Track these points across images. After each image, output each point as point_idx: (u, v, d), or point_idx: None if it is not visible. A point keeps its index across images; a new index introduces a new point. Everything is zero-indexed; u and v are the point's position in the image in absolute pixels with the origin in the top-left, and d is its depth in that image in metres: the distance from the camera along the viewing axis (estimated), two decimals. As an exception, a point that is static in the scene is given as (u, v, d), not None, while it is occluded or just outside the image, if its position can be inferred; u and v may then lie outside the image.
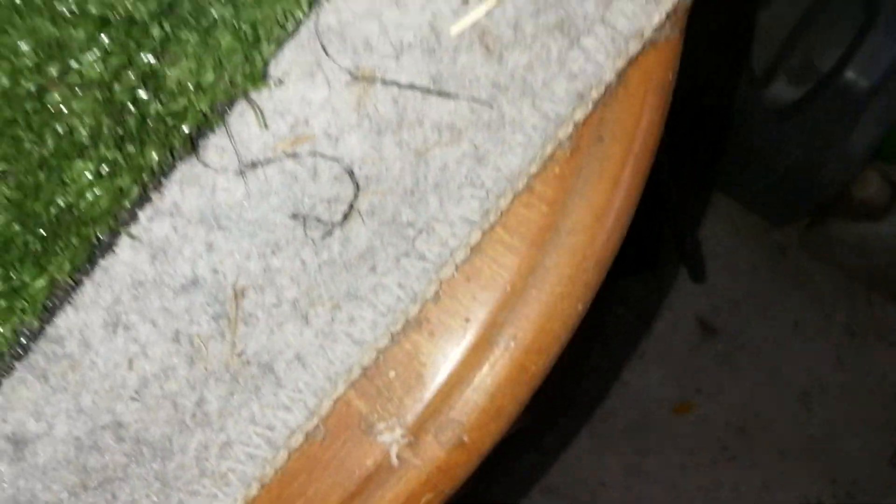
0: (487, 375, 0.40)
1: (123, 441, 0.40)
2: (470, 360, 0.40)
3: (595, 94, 0.41)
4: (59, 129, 0.38)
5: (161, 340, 0.40)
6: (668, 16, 0.41)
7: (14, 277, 0.38)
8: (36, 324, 0.39)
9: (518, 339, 0.40)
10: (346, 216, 0.40)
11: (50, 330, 0.39)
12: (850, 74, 1.39)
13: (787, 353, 1.72)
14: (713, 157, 1.68)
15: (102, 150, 0.39)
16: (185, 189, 0.40)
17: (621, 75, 0.41)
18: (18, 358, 0.39)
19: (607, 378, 1.69)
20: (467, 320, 0.40)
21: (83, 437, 0.39)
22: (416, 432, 0.40)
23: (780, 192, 1.59)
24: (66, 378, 0.39)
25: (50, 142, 0.38)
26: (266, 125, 0.40)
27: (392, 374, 0.40)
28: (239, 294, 0.40)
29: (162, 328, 0.40)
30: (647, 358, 1.70)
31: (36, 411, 0.39)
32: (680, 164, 1.57)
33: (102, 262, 0.39)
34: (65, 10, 0.36)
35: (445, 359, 0.40)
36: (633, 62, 0.41)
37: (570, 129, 0.41)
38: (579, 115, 0.41)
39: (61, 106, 0.38)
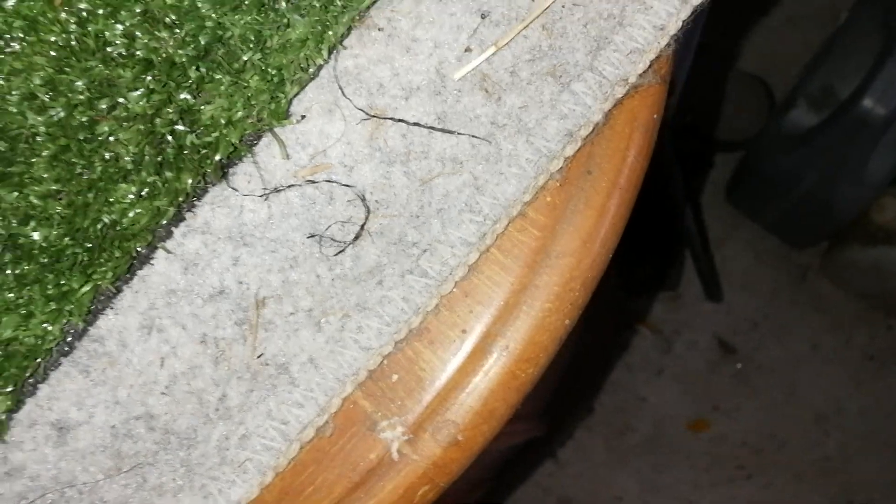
0: (481, 381, 0.45)
1: (154, 430, 0.45)
2: (466, 366, 0.45)
3: (584, 133, 0.45)
4: (107, 156, 0.44)
5: (190, 342, 0.45)
6: (652, 64, 0.46)
7: (63, 284, 0.44)
8: (81, 324, 0.44)
9: (510, 350, 0.45)
10: (357, 236, 0.45)
11: (92, 330, 0.45)
12: (868, 102, 1.42)
13: (805, 374, 1.75)
14: (733, 179, 1.71)
15: (144, 175, 0.44)
16: (215, 210, 0.45)
17: (608, 116, 0.46)
18: (65, 354, 0.44)
19: (625, 393, 1.73)
20: (464, 331, 0.45)
21: (118, 426, 0.45)
22: (416, 430, 0.44)
23: (799, 217, 1.62)
24: (105, 373, 0.45)
25: (98, 167, 0.44)
26: (288, 155, 0.45)
27: (395, 377, 0.45)
28: (260, 303, 0.45)
29: (191, 331, 0.45)
30: (665, 375, 1.74)
31: (78, 401, 0.44)
32: (697, 185, 1.61)
33: (140, 272, 0.45)
34: (115, 53, 0.41)
35: (443, 365, 0.45)
36: (619, 104, 0.46)
37: (560, 162, 0.45)
38: (569, 150, 0.45)
39: (109, 136, 0.44)
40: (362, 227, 0.45)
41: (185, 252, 0.45)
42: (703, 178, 1.72)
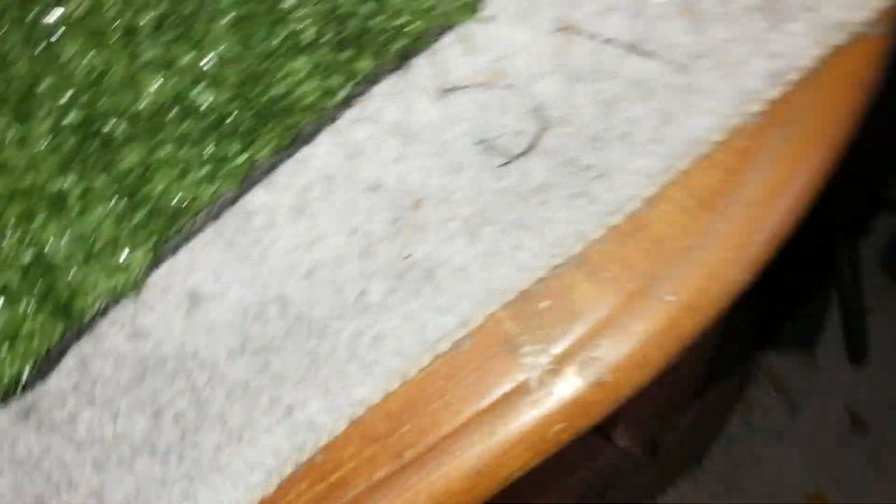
0: (640, 323, 0.41)
1: (286, 316, 0.42)
2: (625, 304, 0.41)
3: (791, 77, 0.42)
4: (288, 29, 0.43)
5: (339, 232, 0.43)
6: (879, 13, 0.42)
7: (222, 149, 0.42)
8: (232, 194, 0.42)
9: (676, 294, 0.41)
10: (528, 150, 0.42)
11: (242, 203, 0.43)
12: None
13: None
14: (891, 245, 1.61)
15: (322, 52, 0.43)
16: (387, 101, 0.43)
17: (821, 63, 0.42)
18: (212, 220, 0.43)
19: (741, 451, 1.62)
20: (628, 267, 0.41)
21: (251, 306, 0.42)
22: (560, 362, 0.41)
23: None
24: (249, 250, 0.43)
25: (277, 38, 0.43)
26: (470, 56, 0.43)
27: (546, 303, 0.41)
28: (417, 203, 0.42)
29: (342, 221, 0.43)
30: (787, 439, 1.62)
31: (216, 274, 0.43)
32: (856, 242, 1.52)
33: (301, 153, 0.43)
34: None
35: (601, 299, 0.41)
36: (835, 52, 0.42)
37: (760, 105, 0.42)
38: (772, 93, 0.42)
39: (294, 10, 0.42)
40: (535, 141, 0.43)
41: (349, 139, 0.43)
42: (860, 236, 1.62)
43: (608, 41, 0.43)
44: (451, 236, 0.42)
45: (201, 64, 0.43)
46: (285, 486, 0.42)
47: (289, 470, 0.41)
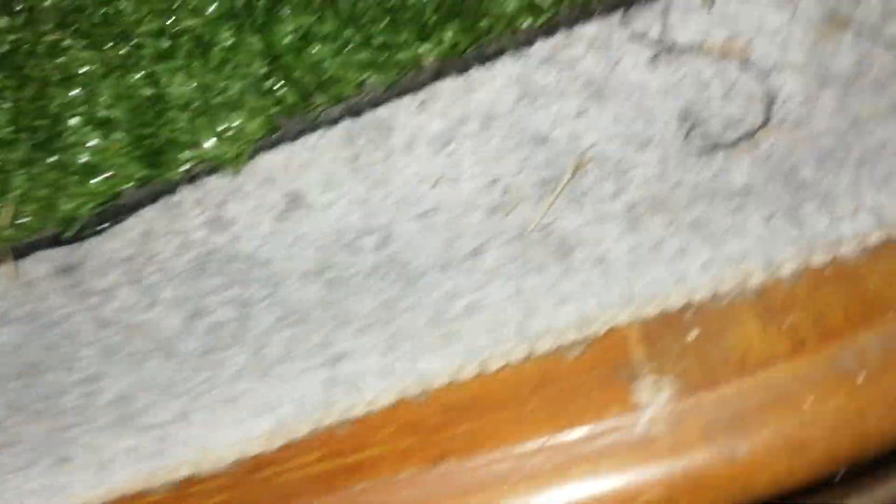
0: (812, 396, 0.29)
1: (381, 251, 0.35)
2: (799, 367, 0.30)
3: None
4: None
5: (478, 178, 0.35)
6: None
7: (390, 36, 0.36)
8: (379, 93, 0.36)
9: (871, 372, 0.29)
10: (737, 142, 0.33)
11: (387, 114, 0.37)
12: None
13: None
14: None
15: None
16: (591, 47, 0.35)
17: None
18: (349, 117, 0.36)
19: None
20: (820, 321, 0.30)
21: (349, 230, 0.36)
22: (687, 415, 0.30)
23: None
24: (372, 168, 0.36)
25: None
26: (710, 18, 0.35)
27: (694, 333, 0.31)
28: (581, 167, 0.34)
29: (486, 167, 0.35)
30: None
31: (326, 182, 0.36)
32: None
33: (472, 74, 0.36)
34: None
35: (768, 350, 0.30)
36: None
37: None
38: None
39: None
40: (751, 134, 0.33)
41: (529, 80, 0.36)
42: None
43: (889, 47, 0.33)
44: (604, 217, 0.33)
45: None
46: (290, 449, 0.34)
47: (303, 430, 0.33)
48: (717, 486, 0.30)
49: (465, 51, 0.36)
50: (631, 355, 0.31)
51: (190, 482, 0.34)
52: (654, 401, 0.30)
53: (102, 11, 0.41)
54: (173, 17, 0.39)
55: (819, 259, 0.31)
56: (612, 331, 0.32)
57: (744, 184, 0.32)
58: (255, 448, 0.33)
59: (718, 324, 0.31)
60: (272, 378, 0.34)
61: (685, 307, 0.32)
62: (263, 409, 0.34)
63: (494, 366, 0.32)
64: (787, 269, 0.31)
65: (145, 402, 0.35)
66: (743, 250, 0.31)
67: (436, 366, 0.33)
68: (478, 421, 0.32)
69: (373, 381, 0.33)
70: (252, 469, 0.33)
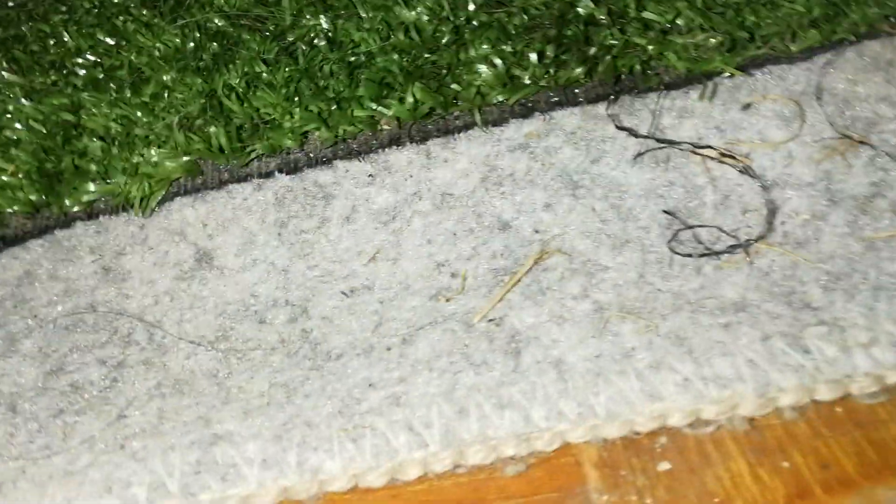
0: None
1: (292, 326, 0.28)
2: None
3: None
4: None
5: (422, 259, 0.29)
6: None
7: (348, 90, 0.31)
8: (325, 149, 0.31)
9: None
10: (731, 252, 0.28)
11: (326, 178, 0.31)
12: None
13: None
14: None
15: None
16: (567, 140, 0.31)
17: None
18: (284, 174, 0.31)
19: None
20: (833, 466, 0.24)
21: (256, 300, 0.29)
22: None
23: None
24: (301, 237, 0.30)
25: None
26: (708, 121, 0.31)
27: (664, 466, 0.25)
28: (543, 258, 0.29)
29: (433, 249, 0.30)
30: None
31: (244, 246, 0.30)
32: None
33: (435, 146, 0.31)
34: None
35: (764, 498, 0.24)
36: None
37: None
38: None
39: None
40: (747, 246, 0.28)
41: (496, 165, 0.31)
42: None
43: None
44: (568, 317, 0.27)
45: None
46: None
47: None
48: None
49: (429, 114, 0.31)
50: (584, 480, 0.25)
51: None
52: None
53: (42, 41, 0.37)
54: (115, 52, 0.35)
55: (826, 394, 0.25)
56: (563, 447, 0.25)
57: (737, 298, 0.27)
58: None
59: (698, 455, 0.25)
60: (127, 453, 0.27)
61: (656, 431, 0.25)
62: (106, 488, 0.26)
63: (411, 474, 0.25)
64: (787, 399, 0.25)
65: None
66: (733, 372, 0.25)
67: (335, 466, 0.25)
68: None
69: (253, 471, 0.26)
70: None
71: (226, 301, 0.30)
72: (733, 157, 0.30)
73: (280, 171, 0.31)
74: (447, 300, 0.28)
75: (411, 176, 0.31)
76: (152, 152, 0.31)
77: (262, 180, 0.31)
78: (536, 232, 0.30)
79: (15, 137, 0.32)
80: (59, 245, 0.32)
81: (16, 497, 0.26)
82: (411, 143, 0.31)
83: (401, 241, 0.30)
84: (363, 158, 0.31)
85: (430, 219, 0.30)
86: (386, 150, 0.32)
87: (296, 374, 0.28)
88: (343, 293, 0.29)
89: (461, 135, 0.32)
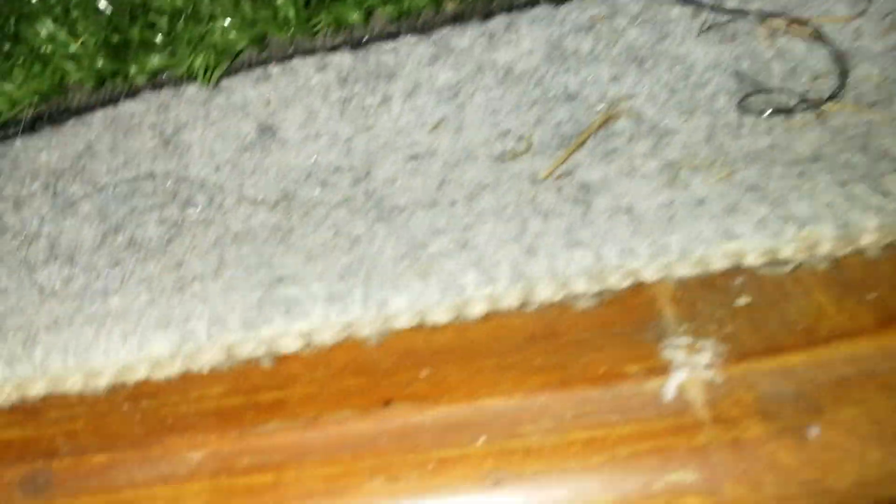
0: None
1: (356, 187, 0.28)
2: (892, 349, 0.22)
3: None
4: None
5: (485, 128, 0.29)
6: None
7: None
8: (390, 26, 0.31)
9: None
10: (803, 111, 0.27)
11: (389, 59, 0.31)
12: None
13: None
14: None
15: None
16: (632, 22, 0.31)
17: None
18: (348, 50, 0.31)
19: None
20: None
21: (319, 168, 0.29)
22: (734, 378, 0.22)
23: None
24: (364, 112, 0.30)
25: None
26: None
27: (743, 300, 0.24)
28: (612, 119, 0.28)
29: (497, 119, 0.29)
30: None
31: (307, 121, 0.30)
32: None
33: (497, 25, 0.31)
34: None
35: (850, 325, 0.23)
36: None
37: None
38: None
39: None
40: (818, 105, 0.27)
41: (564, 42, 0.31)
42: None
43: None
44: (637, 172, 0.27)
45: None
46: (196, 377, 0.25)
47: (212, 356, 0.25)
48: (779, 471, 0.21)
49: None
50: (660, 314, 0.24)
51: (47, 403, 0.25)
52: (689, 363, 0.22)
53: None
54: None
55: (898, 230, 0.24)
56: (636, 286, 0.24)
57: (810, 153, 0.26)
58: (140, 371, 0.25)
59: (777, 291, 0.24)
60: (187, 294, 0.26)
61: (733, 270, 0.24)
62: (164, 323, 0.25)
63: (478, 309, 0.24)
64: (868, 239, 0.24)
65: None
66: (811, 213, 0.25)
67: (401, 301, 0.25)
68: (450, 367, 0.24)
69: (318, 307, 0.25)
70: (130, 396, 0.24)
71: (288, 167, 0.29)
72: (803, 23, 0.30)
73: (345, 45, 0.31)
74: (513, 158, 0.28)
75: (473, 55, 0.31)
76: (219, 23, 0.31)
77: (326, 58, 0.31)
78: (602, 101, 0.29)
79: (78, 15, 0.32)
80: (120, 120, 0.31)
81: (72, 333, 0.26)
82: (474, 21, 0.31)
83: (464, 114, 0.30)
84: (427, 35, 0.31)
85: (494, 93, 0.30)
86: (449, 27, 0.31)
87: (359, 224, 0.27)
88: (407, 158, 0.29)
89: (525, 15, 0.31)
